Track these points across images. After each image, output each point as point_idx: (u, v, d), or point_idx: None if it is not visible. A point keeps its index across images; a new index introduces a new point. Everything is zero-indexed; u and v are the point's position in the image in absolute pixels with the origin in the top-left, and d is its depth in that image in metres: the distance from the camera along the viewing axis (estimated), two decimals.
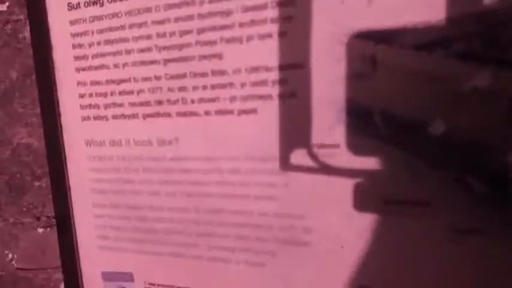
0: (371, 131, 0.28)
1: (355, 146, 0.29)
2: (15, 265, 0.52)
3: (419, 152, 0.27)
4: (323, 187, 0.31)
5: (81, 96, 0.38)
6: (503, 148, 0.25)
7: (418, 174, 0.27)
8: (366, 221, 0.29)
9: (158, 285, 0.38)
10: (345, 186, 0.30)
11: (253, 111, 0.32)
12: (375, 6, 0.27)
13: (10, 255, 0.52)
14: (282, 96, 0.30)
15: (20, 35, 0.46)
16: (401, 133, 0.27)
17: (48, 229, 0.48)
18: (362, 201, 0.29)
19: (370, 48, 0.28)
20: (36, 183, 0.48)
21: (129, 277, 0.39)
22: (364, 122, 0.28)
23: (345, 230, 0.30)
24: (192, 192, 0.35)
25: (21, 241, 0.51)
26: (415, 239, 0.28)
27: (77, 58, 0.37)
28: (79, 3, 0.36)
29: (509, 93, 0.25)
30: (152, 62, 0.34)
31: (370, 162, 0.28)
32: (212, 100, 0.33)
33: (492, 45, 0.25)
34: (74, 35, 0.37)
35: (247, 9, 0.30)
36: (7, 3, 0.46)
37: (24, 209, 0.49)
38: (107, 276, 0.40)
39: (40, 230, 0.49)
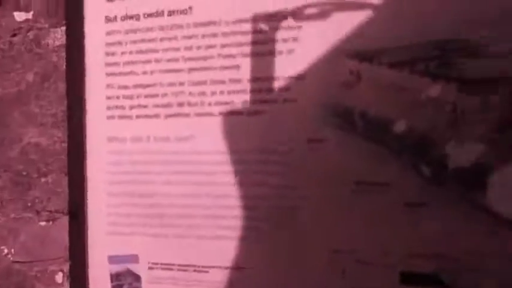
0: (351, 128, 0.39)
1: (339, 140, 0.39)
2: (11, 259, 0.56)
3: (386, 144, 0.38)
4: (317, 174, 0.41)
5: (108, 98, 0.46)
6: (443, 142, 0.37)
7: (383, 161, 0.38)
8: (344, 198, 0.39)
9: (161, 263, 0.46)
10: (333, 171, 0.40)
11: (261, 112, 0.42)
12: (363, 34, 0.39)
13: (6, 250, 0.56)
14: (285, 101, 0.41)
15: (43, 42, 0.54)
16: (373, 129, 0.39)
17: (50, 222, 0.54)
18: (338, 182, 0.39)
19: (357, 65, 0.39)
20: (43, 180, 0.54)
21: (134, 259, 0.46)
22: (347, 121, 0.39)
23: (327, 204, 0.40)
24: (203, 181, 0.44)
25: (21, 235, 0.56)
26: (379, 210, 0.38)
27: (108, 64, 0.46)
28: (116, 16, 0.45)
29: (451, 101, 0.37)
30: (178, 71, 0.44)
31: (348, 152, 0.39)
32: (227, 103, 0.43)
33: (442, 67, 0.37)
34: (108, 44, 0.46)
35: (261, 30, 0.41)
36: (32, 12, 0.54)
37: (29, 204, 0.55)
38: (113, 259, 0.47)
39: (42, 224, 0.54)
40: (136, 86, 0.46)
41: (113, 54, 0.46)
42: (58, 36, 0.51)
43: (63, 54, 0.49)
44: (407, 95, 0.38)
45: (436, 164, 0.38)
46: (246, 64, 0.42)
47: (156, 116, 0.45)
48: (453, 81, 0.37)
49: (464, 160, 0.37)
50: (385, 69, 0.38)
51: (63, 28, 0.49)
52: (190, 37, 0.43)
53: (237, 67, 0.42)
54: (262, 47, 0.41)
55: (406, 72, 0.38)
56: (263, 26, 0.41)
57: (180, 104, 0.44)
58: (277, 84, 0.41)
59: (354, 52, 0.39)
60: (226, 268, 0.43)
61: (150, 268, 0.46)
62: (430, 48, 0.37)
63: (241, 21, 0.42)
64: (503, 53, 0.35)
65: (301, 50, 0.40)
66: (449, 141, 0.37)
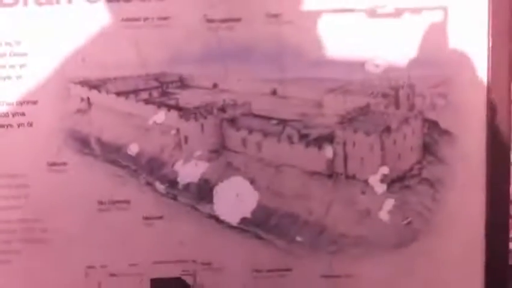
0: (89, 152, 0.42)
1: (79, 163, 0.42)
2: None
3: (123, 165, 0.42)
4: (60, 196, 0.42)
5: None
6: (173, 162, 0.42)
7: (123, 181, 0.42)
8: (89, 217, 0.42)
9: None
10: (76, 192, 0.42)
11: None
12: (89, 63, 0.41)
13: None
14: (20, 125, 0.41)
15: None
16: (109, 153, 0.42)
17: None
18: (80, 202, 0.42)
19: (87, 92, 0.41)
20: None
21: None
22: (84, 145, 0.42)
23: (74, 225, 0.42)
24: None
25: None
26: (122, 226, 0.42)
27: None
28: None
29: (175, 126, 0.41)
30: None
31: (88, 174, 0.42)
32: None
33: (162, 96, 0.41)
34: None
35: None
36: None
37: None
38: None
39: None
40: None
41: None
42: None
43: None
44: (136, 121, 0.42)
45: (168, 181, 0.43)
46: None
47: None
48: (173, 109, 0.41)
49: (192, 176, 0.43)
50: (113, 97, 0.41)
51: None
52: None
53: None
54: None
55: (132, 101, 0.41)
56: None
57: None
58: (10, 109, 0.41)
59: (82, 80, 0.41)
60: None
61: None
62: (150, 79, 0.41)
63: None
64: (207, 86, 0.41)
65: (30, 76, 0.41)
66: (177, 160, 0.42)
